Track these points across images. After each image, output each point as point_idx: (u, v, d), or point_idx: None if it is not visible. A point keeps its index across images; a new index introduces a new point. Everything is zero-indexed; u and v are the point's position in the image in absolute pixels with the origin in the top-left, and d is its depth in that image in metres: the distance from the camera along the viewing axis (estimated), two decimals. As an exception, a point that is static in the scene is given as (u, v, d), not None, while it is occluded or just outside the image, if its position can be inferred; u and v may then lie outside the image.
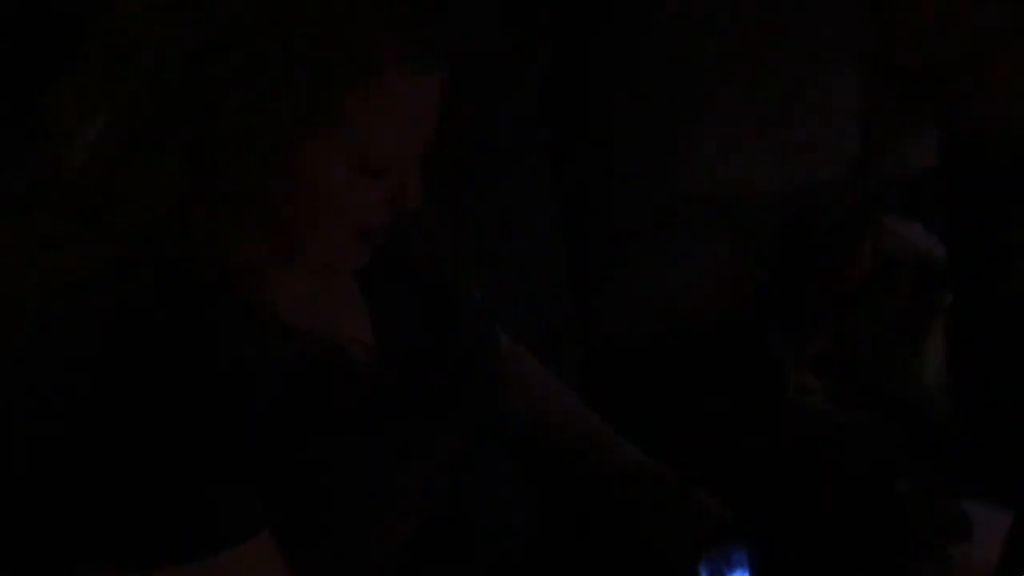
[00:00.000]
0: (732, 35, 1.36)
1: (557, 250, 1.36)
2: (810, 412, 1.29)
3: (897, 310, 1.30)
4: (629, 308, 1.42)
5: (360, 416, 0.74)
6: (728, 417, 1.27)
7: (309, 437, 0.70)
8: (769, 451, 1.21)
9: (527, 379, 1.03)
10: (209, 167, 0.66)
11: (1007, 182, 0.69)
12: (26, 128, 0.69)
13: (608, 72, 1.37)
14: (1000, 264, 0.71)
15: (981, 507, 1.01)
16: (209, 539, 0.64)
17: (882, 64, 0.76)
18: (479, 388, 0.86)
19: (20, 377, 0.64)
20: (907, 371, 1.26)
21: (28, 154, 0.69)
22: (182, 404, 0.64)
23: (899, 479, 1.08)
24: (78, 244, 0.66)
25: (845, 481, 1.11)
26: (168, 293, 0.67)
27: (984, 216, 0.71)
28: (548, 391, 1.05)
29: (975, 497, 1.03)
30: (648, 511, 0.94)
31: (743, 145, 1.39)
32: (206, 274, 0.70)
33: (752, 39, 1.37)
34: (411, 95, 0.70)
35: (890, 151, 1.43)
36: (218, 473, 0.64)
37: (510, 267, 1.26)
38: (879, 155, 1.44)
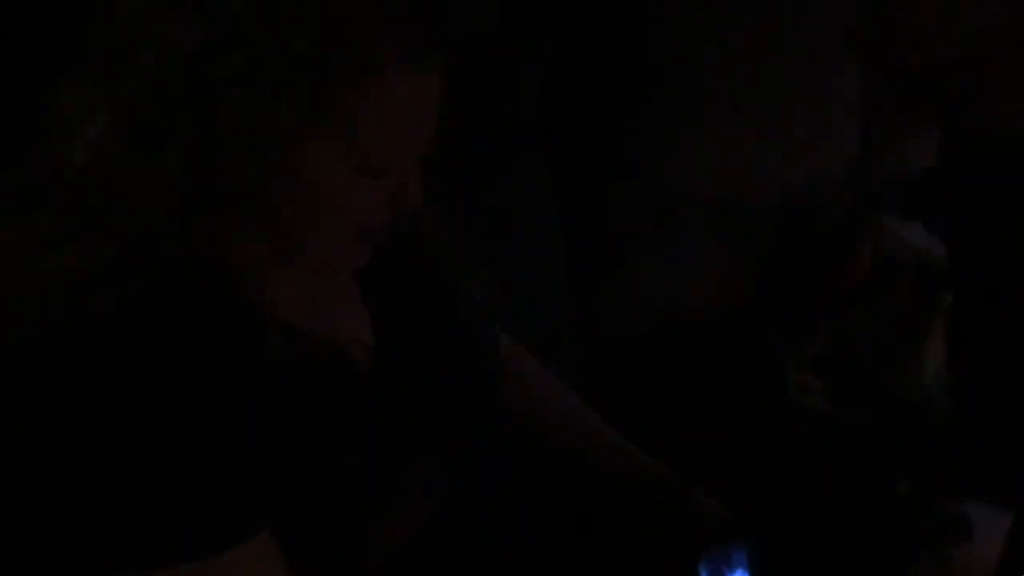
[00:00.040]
0: (732, 35, 1.36)
1: (557, 250, 1.36)
2: (810, 412, 1.29)
3: (897, 310, 1.30)
4: (629, 308, 1.42)
5: (360, 416, 0.74)
6: (728, 417, 1.27)
7: (309, 437, 0.70)
8: (769, 451, 1.21)
9: (527, 379, 1.03)
10: (209, 167, 0.66)
11: (1007, 182, 0.69)
12: (26, 128, 0.69)
13: (608, 72, 1.37)
14: (1000, 264, 0.71)
15: (981, 508, 1.01)
16: (209, 539, 0.64)
17: (882, 64, 0.76)
18: (479, 388, 0.86)
19: (20, 377, 0.64)
20: (907, 371, 1.26)
21: (28, 154, 0.69)
22: (182, 404, 0.63)
23: (899, 479, 1.08)
24: (78, 244, 0.66)
25: (845, 481, 1.11)
26: (168, 293, 0.67)
27: (984, 216, 0.71)
28: (548, 391, 1.05)
29: (975, 498, 1.03)
30: (648, 511, 0.94)
31: (743, 145, 1.39)
32: (206, 274, 0.70)
33: (752, 39, 1.37)
34: (411, 95, 0.70)
35: (890, 151, 1.43)
36: (218, 473, 0.64)
37: (510, 267, 1.26)
38: (879, 155, 1.44)
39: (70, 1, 0.76)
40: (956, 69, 0.70)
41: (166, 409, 0.63)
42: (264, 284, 0.73)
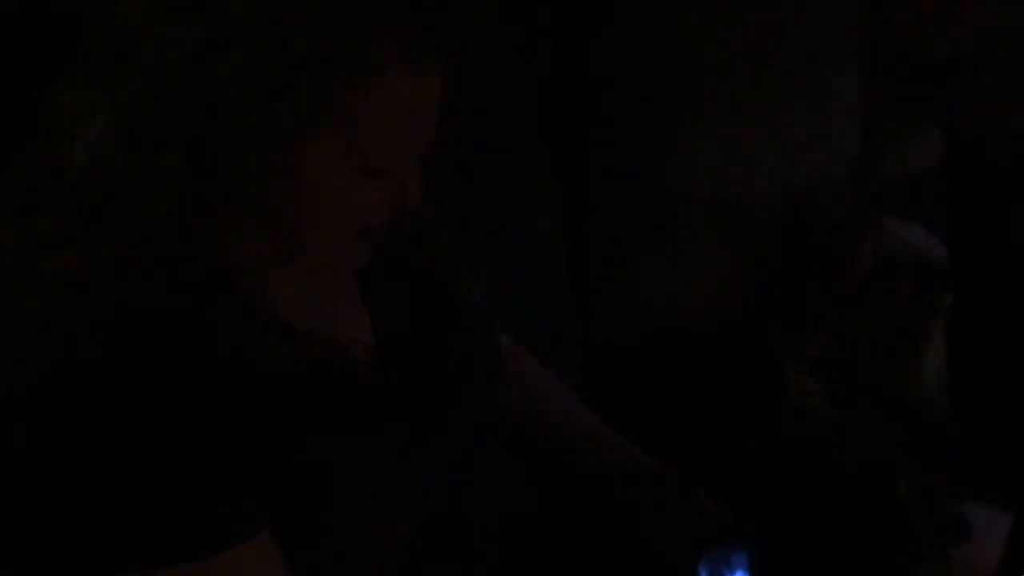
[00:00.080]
0: (732, 35, 1.36)
1: (557, 250, 1.36)
2: (810, 413, 1.29)
3: (897, 310, 1.30)
4: (629, 308, 1.42)
5: (360, 416, 0.74)
6: (728, 417, 1.27)
7: (309, 437, 0.70)
8: (769, 451, 1.21)
9: (527, 379, 1.03)
10: (209, 167, 0.66)
11: (1007, 182, 0.70)
12: (26, 128, 0.69)
13: (608, 72, 1.37)
14: (1000, 264, 0.71)
15: (981, 508, 1.01)
16: (209, 539, 0.64)
17: (882, 64, 0.76)
18: (479, 388, 0.86)
19: (20, 377, 0.64)
20: (907, 371, 1.26)
21: (28, 154, 0.69)
22: (182, 404, 0.63)
23: (899, 479, 1.08)
24: (78, 244, 0.66)
25: (845, 481, 1.11)
26: (168, 293, 0.67)
27: (984, 216, 0.71)
28: (548, 391, 1.05)
29: (975, 498, 1.03)
30: (648, 511, 0.94)
31: (743, 145, 1.39)
32: (206, 274, 0.70)
33: (752, 39, 1.37)
34: (411, 95, 0.70)
35: (890, 151, 1.43)
36: (218, 473, 0.64)
37: (510, 267, 1.26)
38: (879, 155, 1.44)
39: (70, 1, 0.76)
40: (956, 69, 0.70)
41: (166, 409, 0.63)
42: (264, 284, 0.73)
